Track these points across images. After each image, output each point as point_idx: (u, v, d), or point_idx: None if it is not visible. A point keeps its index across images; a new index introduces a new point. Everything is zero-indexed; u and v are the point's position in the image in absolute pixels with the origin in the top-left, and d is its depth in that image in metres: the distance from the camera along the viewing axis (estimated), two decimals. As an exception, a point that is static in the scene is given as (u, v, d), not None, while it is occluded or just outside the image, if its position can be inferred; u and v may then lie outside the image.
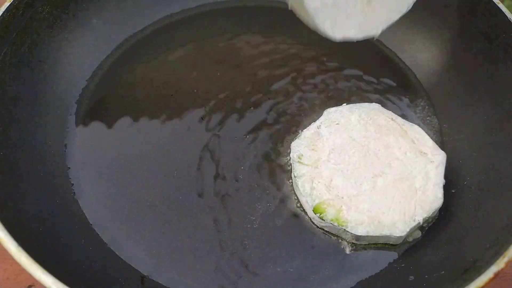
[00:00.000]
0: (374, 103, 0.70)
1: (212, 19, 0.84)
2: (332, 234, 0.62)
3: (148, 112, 0.72)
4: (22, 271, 0.47)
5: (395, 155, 0.64)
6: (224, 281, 0.59)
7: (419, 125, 0.70)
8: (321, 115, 0.68)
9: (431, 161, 0.64)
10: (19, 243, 0.48)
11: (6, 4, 0.65)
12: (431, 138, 0.67)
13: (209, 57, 0.79)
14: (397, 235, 0.59)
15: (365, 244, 0.61)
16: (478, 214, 0.61)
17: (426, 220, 0.61)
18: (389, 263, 0.61)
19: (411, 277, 0.58)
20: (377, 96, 0.75)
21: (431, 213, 0.61)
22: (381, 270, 0.60)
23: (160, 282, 0.59)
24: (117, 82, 0.76)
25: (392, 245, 0.61)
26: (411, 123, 0.68)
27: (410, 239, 0.62)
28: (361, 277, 0.60)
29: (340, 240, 0.62)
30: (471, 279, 0.49)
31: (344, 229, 0.60)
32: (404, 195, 0.61)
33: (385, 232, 0.59)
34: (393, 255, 0.61)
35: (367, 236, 0.59)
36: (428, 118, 0.73)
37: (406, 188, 0.62)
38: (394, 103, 0.75)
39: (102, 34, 0.78)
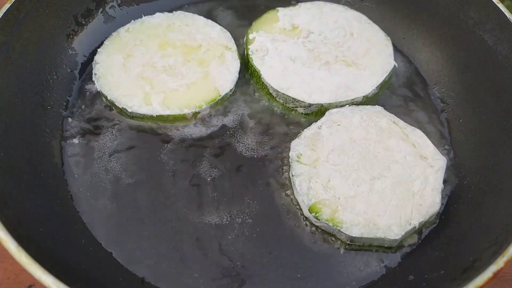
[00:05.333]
0: (376, 106, 0.70)
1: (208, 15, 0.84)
2: (327, 234, 0.62)
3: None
4: (22, 271, 0.48)
5: (395, 158, 0.64)
6: (223, 281, 0.59)
7: (417, 123, 0.70)
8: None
9: (431, 166, 0.64)
10: (19, 243, 0.48)
11: (7, 5, 0.65)
12: (432, 140, 0.67)
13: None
14: (392, 238, 0.59)
15: (360, 246, 0.61)
16: (478, 214, 0.61)
17: (423, 225, 0.61)
18: (386, 264, 0.61)
19: (411, 277, 0.58)
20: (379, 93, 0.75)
21: (427, 217, 0.60)
22: (378, 271, 0.60)
23: (160, 284, 0.59)
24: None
25: (387, 247, 0.61)
26: (413, 127, 0.68)
27: (406, 243, 0.62)
28: (357, 277, 0.60)
29: (334, 240, 0.62)
30: (471, 278, 0.49)
31: (339, 230, 0.60)
32: (401, 199, 0.61)
33: (379, 234, 0.59)
34: (389, 256, 0.61)
35: (361, 237, 0.59)
36: (428, 118, 0.73)
37: (404, 192, 0.62)
38: (395, 102, 0.75)
39: (102, 35, 0.78)
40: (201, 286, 0.59)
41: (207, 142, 0.69)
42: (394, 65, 0.74)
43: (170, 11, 0.80)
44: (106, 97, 0.71)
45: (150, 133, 0.70)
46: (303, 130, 0.68)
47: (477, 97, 0.70)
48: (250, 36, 0.77)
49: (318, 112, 0.71)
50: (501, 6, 0.68)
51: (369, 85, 0.72)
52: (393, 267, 0.60)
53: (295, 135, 0.68)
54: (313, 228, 0.62)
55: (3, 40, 0.64)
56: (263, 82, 0.73)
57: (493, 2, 0.68)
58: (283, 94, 0.71)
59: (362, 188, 0.62)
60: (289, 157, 0.65)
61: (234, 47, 0.76)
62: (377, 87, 0.72)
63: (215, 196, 0.65)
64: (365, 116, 0.68)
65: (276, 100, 0.73)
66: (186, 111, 0.69)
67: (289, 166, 0.65)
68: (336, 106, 0.70)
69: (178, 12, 0.80)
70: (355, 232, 0.59)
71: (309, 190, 0.62)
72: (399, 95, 0.75)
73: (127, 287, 0.57)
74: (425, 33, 0.79)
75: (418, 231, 0.62)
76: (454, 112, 0.73)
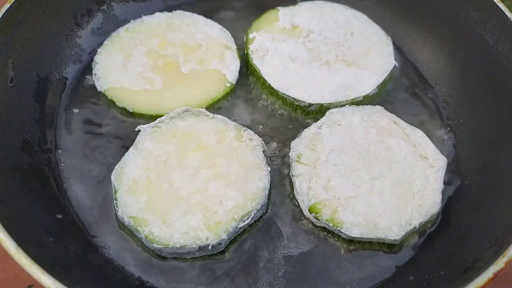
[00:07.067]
0: (377, 106, 0.69)
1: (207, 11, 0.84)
2: (327, 234, 0.62)
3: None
4: (22, 271, 0.48)
5: (395, 158, 0.64)
6: (222, 283, 0.59)
7: (417, 123, 0.70)
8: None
9: (432, 166, 0.64)
10: (19, 244, 0.48)
11: (7, 5, 0.65)
12: (432, 140, 0.67)
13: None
14: (392, 238, 0.59)
15: (360, 246, 0.61)
16: (478, 214, 0.61)
17: (423, 225, 0.61)
18: (386, 264, 0.60)
19: (411, 277, 0.58)
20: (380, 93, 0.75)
21: (428, 217, 0.60)
22: (378, 271, 0.60)
23: (160, 285, 0.58)
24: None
25: (388, 247, 0.61)
26: (413, 127, 0.67)
27: (406, 243, 0.61)
28: (357, 277, 0.59)
29: (334, 241, 0.62)
30: (471, 279, 0.49)
31: (339, 230, 0.59)
32: (402, 199, 0.61)
33: (380, 235, 0.59)
34: (389, 256, 0.61)
35: (361, 238, 0.59)
36: (429, 117, 0.73)
37: (404, 192, 0.62)
38: (395, 101, 0.75)
39: (102, 35, 0.78)
40: (200, 285, 0.59)
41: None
42: (395, 65, 0.74)
43: (170, 10, 0.80)
44: (106, 97, 0.71)
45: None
46: (303, 130, 0.67)
47: (477, 97, 0.70)
48: (250, 36, 0.77)
49: (318, 112, 0.71)
50: (501, 6, 0.68)
51: (369, 84, 0.72)
52: (393, 267, 0.60)
53: (295, 135, 0.68)
54: (313, 229, 0.62)
55: (3, 40, 0.64)
56: (263, 82, 0.73)
57: (494, 2, 0.68)
58: (283, 94, 0.71)
59: (362, 188, 0.62)
60: (289, 157, 0.65)
61: (234, 46, 0.76)
62: (377, 87, 0.72)
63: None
64: (365, 116, 0.68)
65: (276, 99, 0.73)
66: None
67: (289, 166, 0.65)
68: (336, 106, 0.70)
69: (178, 11, 0.80)
70: (355, 233, 0.59)
71: (309, 190, 0.62)
72: (400, 94, 0.75)
73: (126, 288, 0.57)
74: (425, 33, 0.79)
75: (418, 231, 0.62)
76: (455, 112, 0.73)
